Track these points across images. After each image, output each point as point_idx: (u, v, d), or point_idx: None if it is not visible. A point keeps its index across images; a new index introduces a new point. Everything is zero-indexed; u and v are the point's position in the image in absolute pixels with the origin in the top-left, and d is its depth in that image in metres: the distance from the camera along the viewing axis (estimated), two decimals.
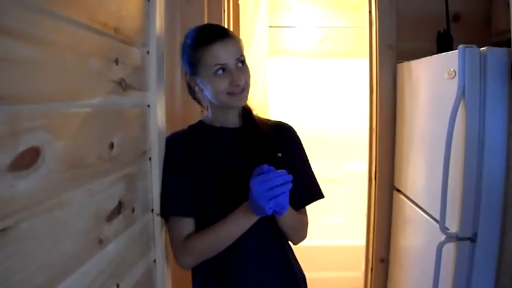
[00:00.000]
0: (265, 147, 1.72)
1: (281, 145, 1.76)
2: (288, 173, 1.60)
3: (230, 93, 1.63)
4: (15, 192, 0.80)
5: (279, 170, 1.46)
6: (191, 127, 1.81)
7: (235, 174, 1.65)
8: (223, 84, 1.61)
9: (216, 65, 1.60)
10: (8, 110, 0.79)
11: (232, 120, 1.76)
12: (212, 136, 1.74)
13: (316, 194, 1.83)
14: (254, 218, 1.55)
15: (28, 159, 0.83)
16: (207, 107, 1.80)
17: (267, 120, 1.87)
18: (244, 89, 1.66)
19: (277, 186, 1.43)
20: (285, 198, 1.47)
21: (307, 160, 1.85)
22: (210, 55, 1.61)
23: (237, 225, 1.58)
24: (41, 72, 0.89)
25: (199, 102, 1.82)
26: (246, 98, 1.69)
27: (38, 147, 0.86)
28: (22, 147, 0.81)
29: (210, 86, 1.64)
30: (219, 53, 1.60)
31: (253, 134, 1.74)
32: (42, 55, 0.90)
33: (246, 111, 1.79)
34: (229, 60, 1.61)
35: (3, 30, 0.77)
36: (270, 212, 1.47)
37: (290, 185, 1.46)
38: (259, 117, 1.83)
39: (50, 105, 0.93)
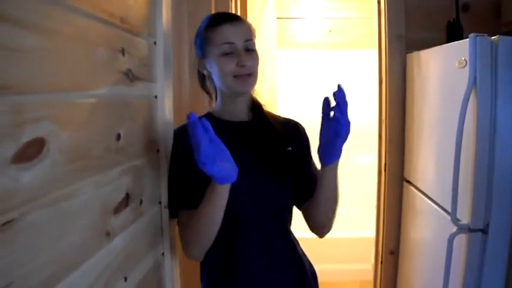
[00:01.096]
0: (275, 141, 1.71)
1: (290, 141, 1.75)
2: (295, 169, 1.67)
3: (236, 76, 1.62)
4: (19, 184, 0.78)
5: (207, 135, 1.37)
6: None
7: (242, 170, 1.63)
8: (230, 66, 1.61)
9: (224, 43, 1.60)
10: (12, 100, 0.77)
11: (241, 112, 1.74)
12: (220, 130, 1.68)
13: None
14: (218, 188, 1.46)
15: (32, 150, 0.82)
16: (216, 97, 1.78)
17: (277, 116, 1.86)
18: (251, 74, 1.64)
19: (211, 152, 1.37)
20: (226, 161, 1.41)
21: (312, 158, 1.82)
22: (218, 34, 1.62)
23: (209, 201, 1.50)
24: (46, 62, 0.87)
25: (208, 92, 1.81)
26: (252, 84, 1.67)
27: (43, 138, 0.85)
28: (26, 138, 0.80)
29: (217, 67, 1.63)
30: (228, 32, 1.61)
31: (262, 128, 1.73)
32: (47, 45, 0.88)
33: (256, 105, 1.78)
34: (237, 40, 1.61)
35: (8, 19, 0.76)
36: (215, 176, 1.41)
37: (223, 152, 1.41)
38: (268, 112, 1.82)
39: (55, 96, 0.91)
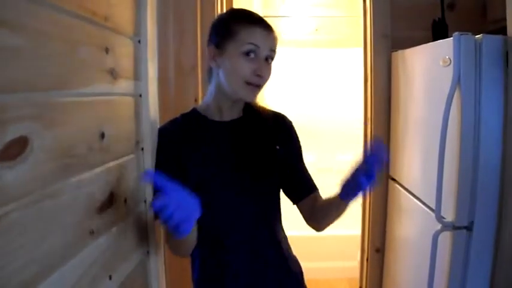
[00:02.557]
0: (263, 141, 1.68)
1: (279, 137, 1.73)
2: (284, 166, 1.64)
3: (248, 83, 1.56)
4: (2, 183, 0.78)
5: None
6: (183, 116, 1.73)
7: (226, 174, 1.62)
8: (247, 70, 1.54)
9: (249, 43, 1.53)
10: None
11: (232, 112, 1.69)
12: (205, 130, 1.68)
13: (312, 187, 1.78)
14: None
15: (15, 149, 0.81)
16: (210, 92, 1.71)
17: (266, 110, 1.78)
18: (260, 85, 1.59)
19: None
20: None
21: (302, 154, 1.81)
22: (248, 32, 1.54)
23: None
24: (28, 60, 0.87)
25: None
26: (257, 95, 1.62)
27: (26, 137, 0.84)
28: (9, 136, 0.79)
29: (232, 67, 1.56)
30: (258, 34, 1.55)
31: (251, 127, 1.69)
32: (30, 43, 0.88)
33: (248, 104, 1.72)
34: (263, 47, 1.55)
35: None
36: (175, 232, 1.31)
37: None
38: (261, 107, 1.76)
39: (38, 94, 0.91)
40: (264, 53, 1.56)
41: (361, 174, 1.42)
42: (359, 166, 1.45)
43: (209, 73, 1.71)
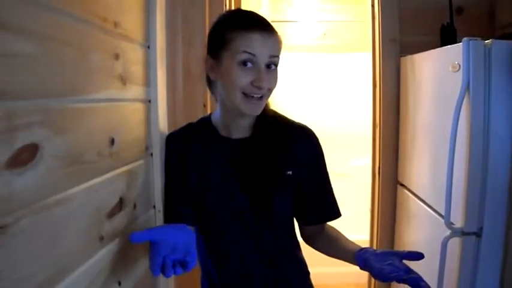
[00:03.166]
0: (272, 163, 1.53)
1: (296, 158, 1.58)
2: (299, 190, 1.57)
3: (246, 95, 1.43)
4: (13, 190, 0.78)
5: None
6: (197, 125, 1.68)
7: (224, 200, 1.56)
8: (244, 80, 1.41)
9: (244, 51, 1.39)
10: (5, 105, 0.77)
11: (242, 128, 1.57)
12: (213, 145, 1.60)
13: (332, 213, 1.66)
14: None
15: (26, 155, 0.82)
16: (217, 100, 1.61)
17: (286, 124, 1.63)
18: (264, 96, 1.45)
19: None
20: None
21: (326, 174, 1.65)
22: (242, 39, 1.39)
23: None
24: (38, 67, 0.87)
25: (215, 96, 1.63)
26: (261, 107, 1.47)
27: (36, 144, 0.85)
28: (19, 143, 0.80)
29: (228, 77, 1.43)
30: (254, 41, 1.39)
31: (259, 148, 1.54)
32: (40, 50, 0.88)
33: (260, 119, 1.56)
34: (261, 54, 1.40)
35: (1, 25, 0.76)
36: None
37: None
38: (275, 121, 1.61)
39: (48, 101, 0.91)
40: (262, 60, 1.41)
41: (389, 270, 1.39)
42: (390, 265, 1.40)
43: (208, 82, 1.63)
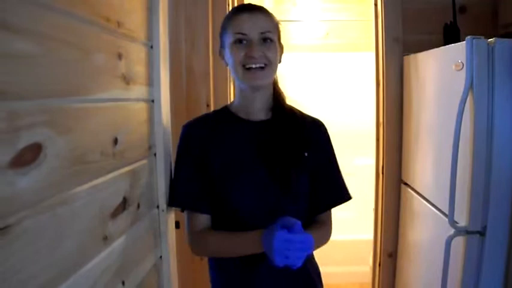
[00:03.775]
0: (289, 146, 1.64)
1: (309, 143, 1.69)
2: (312, 172, 1.63)
3: (246, 68, 1.57)
4: (16, 190, 0.78)
5: (305, 234, 1.41)
6: (215, 113, 1.77)
7: (248, 176, 1.61)
8: (239, 55, 1.56)
9: (236, 33, 1.56)
10: (9, 105, 0.77)
11: (259, 110, 1.68)
12: (233, 128, 1.68)
13: (343, 195, 1.77)
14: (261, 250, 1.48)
15: (29, 155, 0.82)
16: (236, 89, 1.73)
17: (300, 113, 1.79)
18: (265, 66, 1.58)
19: (296, 250, 1.39)
20: (299, 260, 1.42)
21: (336, 161, 1.78)
22: (233, 23, 1.58)
23: (246, 246, 1.54)
24: (41, 67, 0.87)
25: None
26: (264, 78, 1.60)
27: (40, 144, 0.85)
28: (23, 143, 0.80)
29: (229, 56, 1.59)
30: (243, 22, 1.57)
31: (278, 131, 1.66)
32: (43, 50, 0.88)
33: (277, 103, 1.72)
34: (251, 32, 1.56)
35: (4, 26, 0.76)
36: (277, 264, 1.41)
37: (309, 252, 1.43)
38: (291, 108, 1.76)
39: (51, 101, 0.91)
40: (253, 36, 1.57)
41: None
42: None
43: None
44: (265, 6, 1.66)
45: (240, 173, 1.62)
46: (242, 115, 1.69)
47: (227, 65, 1.66)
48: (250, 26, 1.56)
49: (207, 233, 1.62)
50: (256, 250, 1.50)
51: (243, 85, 1.63)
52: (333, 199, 1.74)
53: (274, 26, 1.64)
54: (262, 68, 1.58)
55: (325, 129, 1.80)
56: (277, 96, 1.72)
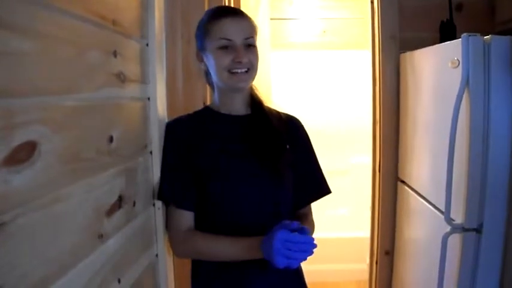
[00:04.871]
0: (274, 137, 1.68)
1: (288, 138, 1.72)
2: (294, 167, 1.63)
3: (232, 72, 1.59)
4: (10, 187, 0.78)
5: (307, 236, 1.44)
6: (196, 113, 1.77)
7: (238, 165, 1.62)
8: (226, 60, 1.58)
9: (221, 38, 1.57)
10: (4, 103, 0.77)
11: (239, 106, 1.71)
12: (216, 123, 1.70)
13: (323, 189, 1.79)
14: (260, 256, 1.49)
15: (24, 153, 0.82)
16: (213, 91, 1.76)
17: (276, 111, 1.80)
18: (248, 70, 1.61)
19: (298, 251, 1.42)
20: (299, 261, 1.46)
21: (314, 155, 1.81)
22: (217, 28, 1.58)
23: (242, 252, 1.55)
24: (36, 65, 0.87)
25: (212, 86, 1.77)
26: (248, 80, 1.64)
27: (34, 141, 0.85)
28: (17, 141, 0.80)
29: (213, 61, 1.60)
30: (227, 27, 1.58)
31: (261, 123, 1.69)
32: (37, 48, 0.88)
33: (255, 100, 1.75)
34: (235, 37, 1.58)
35: None
36: (278, 266, 1.43)
37: (310, 253, 1.44)
38: (268, 107, 1.78)
39: (46, 99, 0.91)
40: (238, 42, 1.58)
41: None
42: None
43: (206, 75, 1.76)
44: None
45: (230, 165, 1.63)
46: (224, 111, 1.72)
47: (205, 67, 1.70)
48: (235, 32, 1.59)
49: (195, 233, 1.62)
50: (252, 255, 1.52)
51: (224, 86, 1.66)
52: (313, 194, 1.78)
53: (255, 30, 1.66)
54: (246, 71, 1.61)
55: (302, 126, 1.82)
56: (254, 94, 1.76)
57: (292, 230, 1.44)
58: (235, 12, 1.65)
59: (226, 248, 1.57)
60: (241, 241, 1.55)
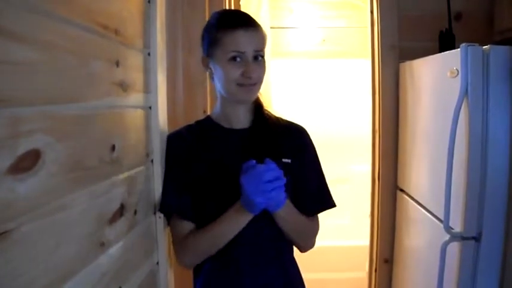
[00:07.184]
0: (272, 152, 1.61)
1: (292, 149, 1.70)
2: (295, 179, 1.61)
3: (240, 85, 1.57)
4: (15, 196, 0.79)
5: (269, 164, 1.43)
6: (197, 123, 1.76)
7: (236, 180, 1.55)
8: (236, 73, 1.56)
9: (233, 51, 1.55)
10: (7, 112, 0.78)
11: (242, 118, 1.69)
12: (217, 137, 1.69)
13: (326, 202, 1.75)
14: (248, 216, 1.50)
15: (28, 162, 0.83)
16: (218, 99, 1.73)
17: (279, 120, 1.77)
18: (256, 83, 1.60)
19: (269, 181, 1.40)
20: (278, 193, 1.44)
21: (320, 166, 1.78)
22: (230, 39, 1.55)
23: (230, 224, 1.54)
24: (40, 74, 0.88)
25: None
26: (255, 92, 1.64)
27: (38, 150, 0.86)
28: (22, 150, 0.81)
29: (222, 72, 1.58)
30: (240, 39, 1.55)
31: (260, 137, 1.67)
32: (41, 57, 0.89)
33: (258, 110, 1.72)
34: (248, 50, 1.56)
35: (3, 32, 0.77)
36: (261, 207, 1.44)
37: (283, 180, 1.43)
38: (270, 115, 1.75)
39: (50, 108, 0.92)
40: (249, 55, 1.57)
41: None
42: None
43: (212, 79, 1.72)
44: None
45: (228, 179, 1.58)
46: (225, 124, 1.71)
47: (212, 75, 1.67)
48: (247, 44, 1.56)
49: (192, 233, 1.62)
50: (242, 220, 1.52)
51: (229, 98, 1.65)
52: (317, 206, 1.75)
53: (265, 41, 1.65)
54: (254, 84, 1.60)
55: (308, 135, 1.79)
56: (257, 105, 1.73)
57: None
58: (249, 23, 1.60)
59: (218, 228, 1.56)
60: (226, 214, 1.54)
